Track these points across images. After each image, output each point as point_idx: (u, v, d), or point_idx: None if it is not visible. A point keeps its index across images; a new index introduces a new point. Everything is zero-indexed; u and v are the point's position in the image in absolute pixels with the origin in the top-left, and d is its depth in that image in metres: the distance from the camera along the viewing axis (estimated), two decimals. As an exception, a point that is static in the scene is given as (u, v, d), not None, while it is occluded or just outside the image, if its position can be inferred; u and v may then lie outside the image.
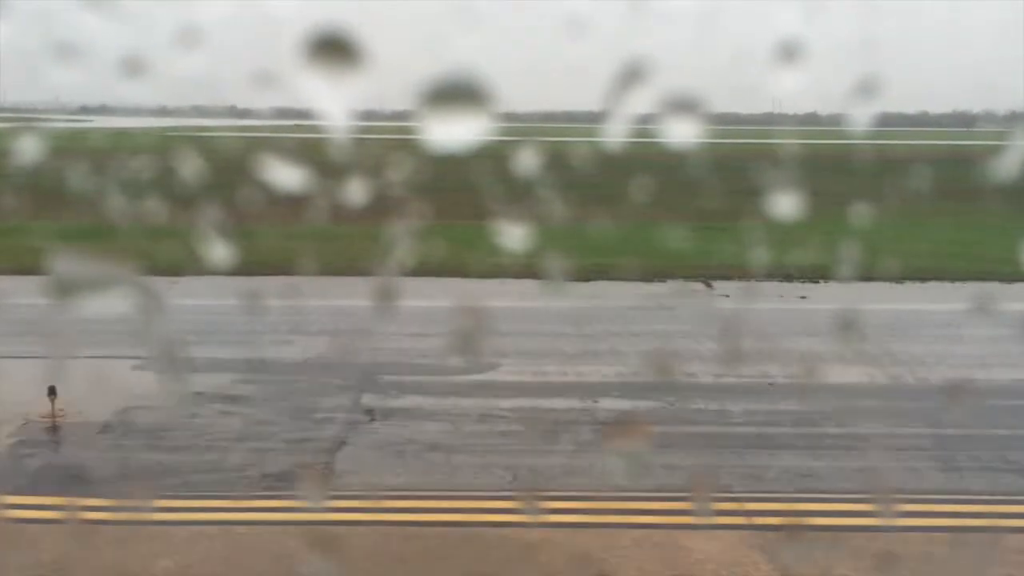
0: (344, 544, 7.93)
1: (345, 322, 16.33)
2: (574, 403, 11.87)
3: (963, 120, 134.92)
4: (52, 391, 11.34)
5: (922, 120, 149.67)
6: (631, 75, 3.61)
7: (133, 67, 8.34)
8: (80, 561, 7.69)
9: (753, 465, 9.73)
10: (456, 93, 2.90)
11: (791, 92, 6.17)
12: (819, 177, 32.12)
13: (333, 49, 2.75)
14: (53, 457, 10.21)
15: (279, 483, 9.35)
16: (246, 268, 18.91)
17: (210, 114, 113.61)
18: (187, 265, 19.37)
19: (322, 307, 16.88)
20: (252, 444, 10.54)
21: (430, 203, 24.59)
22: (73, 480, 9.45)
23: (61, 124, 77.24)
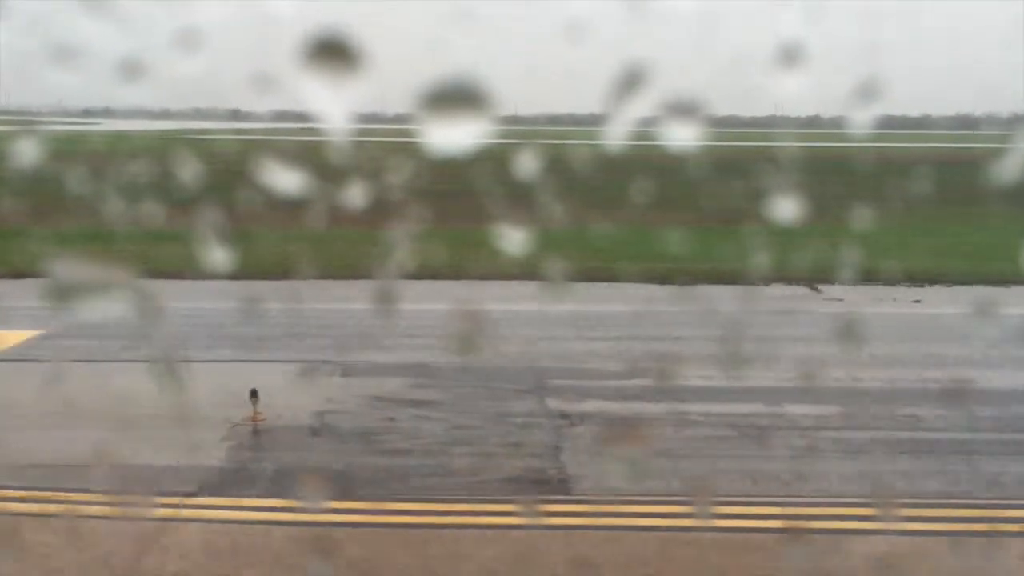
0: (633, 547, 8.09)
1: (466, 325, 16.52)
2: (760, 408, 12.02)
3: (967, 123, 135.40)
4: (254, 394, 11.49)
5: (925, 123, 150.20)
6: (632, 78, 3.68)
7: (133, 70, 8.45)
8: (387, 562, 7.83)
9: (985, 472, 9.89)
10: (455, 96, 2.95)
11: (793, 95, 6.28)
12: (853, 181, 32.56)
13: (333, 52, 2.80)
14: (282, 460, 10.32)
15: (524, 487, 9.50)
16: (330, 272, 19.26)
17: (213, 117, 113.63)
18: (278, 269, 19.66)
19: (425, 311, 17.05)
20: (468, 448, 10.68)
21: (464, 206, 24.74)
22: (320, 483, 9.58)
23: (65, 127, 77.20)
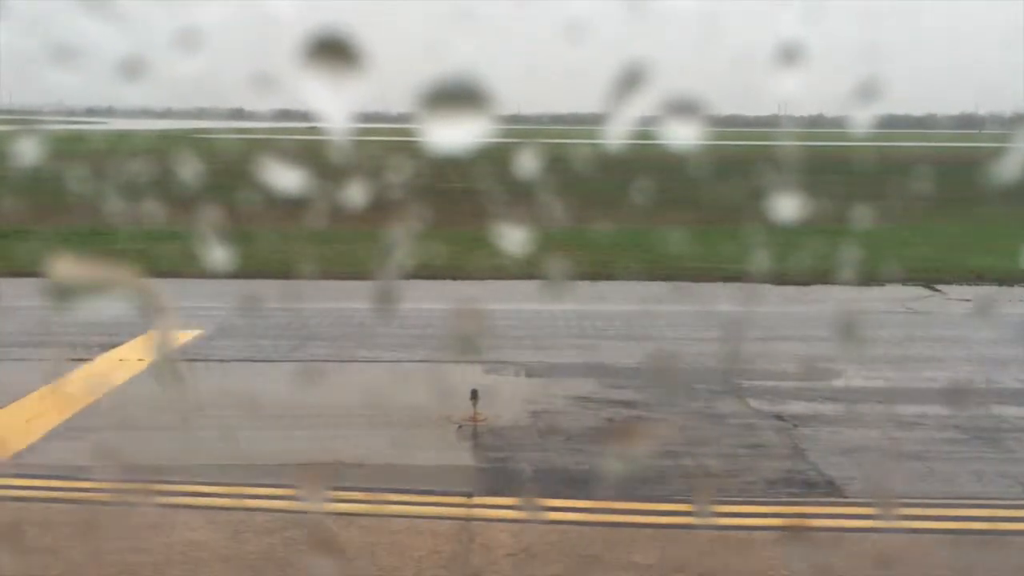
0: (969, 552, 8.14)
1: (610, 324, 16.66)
2: (972, 411, 12.07)
3: (972, 122, 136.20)
4: (474, 395, 11.50)
5: (929, 122, 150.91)
6: (633, 77, 3.70)
7: (134, 69, 8.50)
8: (723, 563, 7.87)
9: None
10: (457, 94, 2.96)
11: (794, 94, 6.32)
12: (896, 182, 32.67)
13: (333, 50, 2.80)
14: (533, 460, 10.31)
15: (794, 489, 9.55)
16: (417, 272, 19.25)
17: (216, 116, 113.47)
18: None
19: (543, 311, 17.24)
20: (707, 449, 10.68)
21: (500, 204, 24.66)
22: (589, 483, 9.59)
23: (69, 126, 76.94)
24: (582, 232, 23.86)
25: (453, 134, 3.02)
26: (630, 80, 3.69)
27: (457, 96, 2.95)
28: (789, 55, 5.71)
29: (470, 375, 13.24)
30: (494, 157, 9.17)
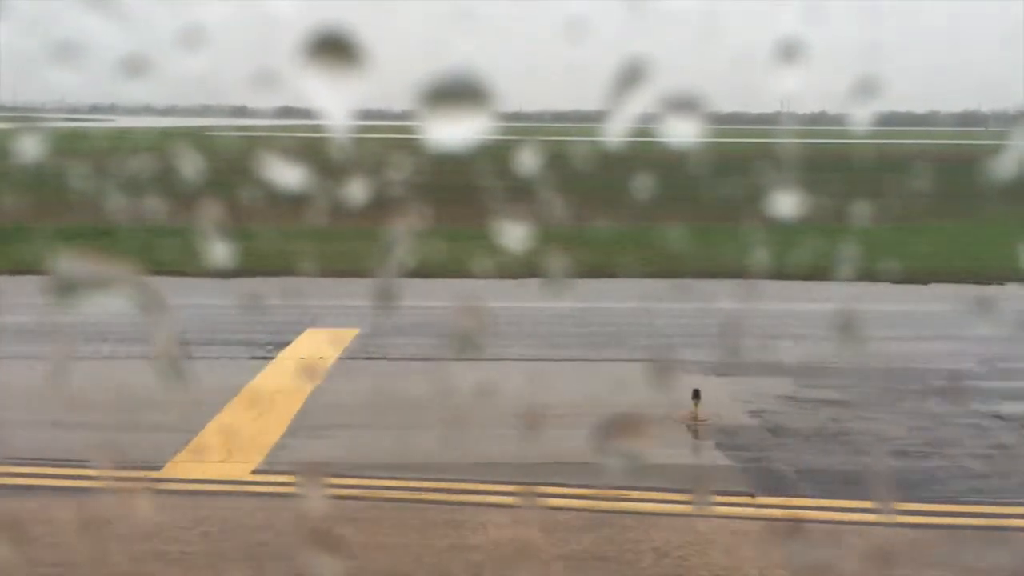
0: None
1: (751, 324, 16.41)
2: None
3: (975, 119, 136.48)
4: (696, 395, 11.27)
5: (932, 119, 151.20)
6: (634, 74, 3.62)
7: (137, 67, 8.42)
8: None
9: None
10: (457, 91, 2.91)
11: (795, 92, 6.32)
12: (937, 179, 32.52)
13: (335, 48, 2.76)
14: (787, 460, 10.06)
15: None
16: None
17: (219, 113, 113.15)
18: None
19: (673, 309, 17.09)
20: (957, 450, 10.45)
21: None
22: (866, 485, 9.37)
23: (72, 123, 76.63)
24: (708, 228, 23.65)
25: (456, 131, 2.95)
26: (631, 77, 3.61)
27: (458, 93, 2.90)
28: (789, 53, 5.65)
29: (654, 375, 13.00)
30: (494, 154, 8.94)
